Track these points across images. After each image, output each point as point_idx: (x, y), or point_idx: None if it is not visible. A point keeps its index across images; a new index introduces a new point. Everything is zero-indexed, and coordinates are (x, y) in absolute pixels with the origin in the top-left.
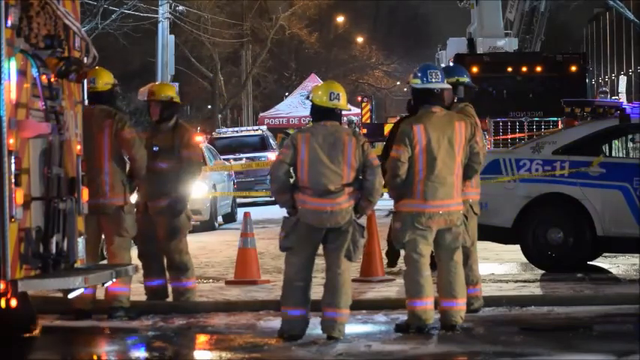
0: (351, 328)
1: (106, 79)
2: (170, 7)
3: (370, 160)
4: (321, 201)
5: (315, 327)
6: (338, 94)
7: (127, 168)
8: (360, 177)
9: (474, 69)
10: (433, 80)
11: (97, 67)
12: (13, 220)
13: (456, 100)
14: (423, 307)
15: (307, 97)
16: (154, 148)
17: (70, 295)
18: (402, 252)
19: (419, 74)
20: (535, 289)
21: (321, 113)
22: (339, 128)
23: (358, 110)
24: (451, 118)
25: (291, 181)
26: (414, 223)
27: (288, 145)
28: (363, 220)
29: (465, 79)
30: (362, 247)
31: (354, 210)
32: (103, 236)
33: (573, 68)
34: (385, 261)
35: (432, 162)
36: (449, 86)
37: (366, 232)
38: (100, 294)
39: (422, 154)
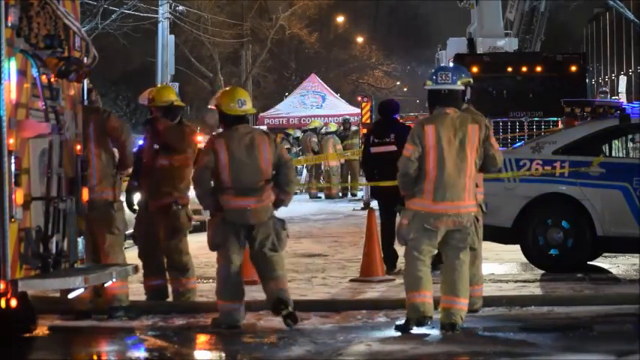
0: (351, 328)
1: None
2: (170, 7)
3: (283, 155)
4: (244, 199)
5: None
6: (244, 100)
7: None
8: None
9: (474, 69)
10: (440, 81)
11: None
12: (13, 220)
13: (466, 101)
14: (422, 299)
15: (215, 106)
16: (154, 146)
17: (70, 295)
18: (400, 252)
19: (432, 76)
20: (535, 289)
21: (232, 120)
22: (251, 129)
23: (358, 110)
24: (464, 120)
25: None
26: (422, 222)
27: (207, 151)
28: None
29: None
30: (285, 239)
31: (274, 204)
32: None
33: (573, 68)
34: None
35: (442, 162)
36: (456, 87)
37: (286, 224)
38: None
39: (432, 154)
